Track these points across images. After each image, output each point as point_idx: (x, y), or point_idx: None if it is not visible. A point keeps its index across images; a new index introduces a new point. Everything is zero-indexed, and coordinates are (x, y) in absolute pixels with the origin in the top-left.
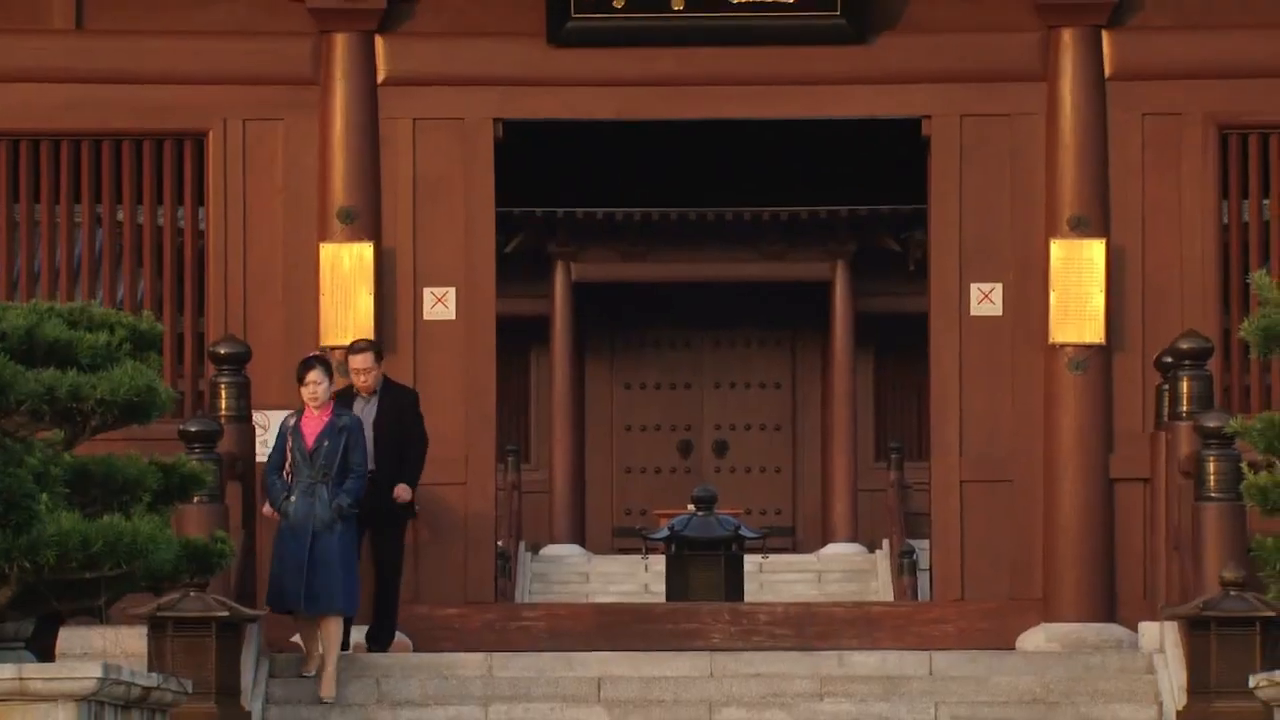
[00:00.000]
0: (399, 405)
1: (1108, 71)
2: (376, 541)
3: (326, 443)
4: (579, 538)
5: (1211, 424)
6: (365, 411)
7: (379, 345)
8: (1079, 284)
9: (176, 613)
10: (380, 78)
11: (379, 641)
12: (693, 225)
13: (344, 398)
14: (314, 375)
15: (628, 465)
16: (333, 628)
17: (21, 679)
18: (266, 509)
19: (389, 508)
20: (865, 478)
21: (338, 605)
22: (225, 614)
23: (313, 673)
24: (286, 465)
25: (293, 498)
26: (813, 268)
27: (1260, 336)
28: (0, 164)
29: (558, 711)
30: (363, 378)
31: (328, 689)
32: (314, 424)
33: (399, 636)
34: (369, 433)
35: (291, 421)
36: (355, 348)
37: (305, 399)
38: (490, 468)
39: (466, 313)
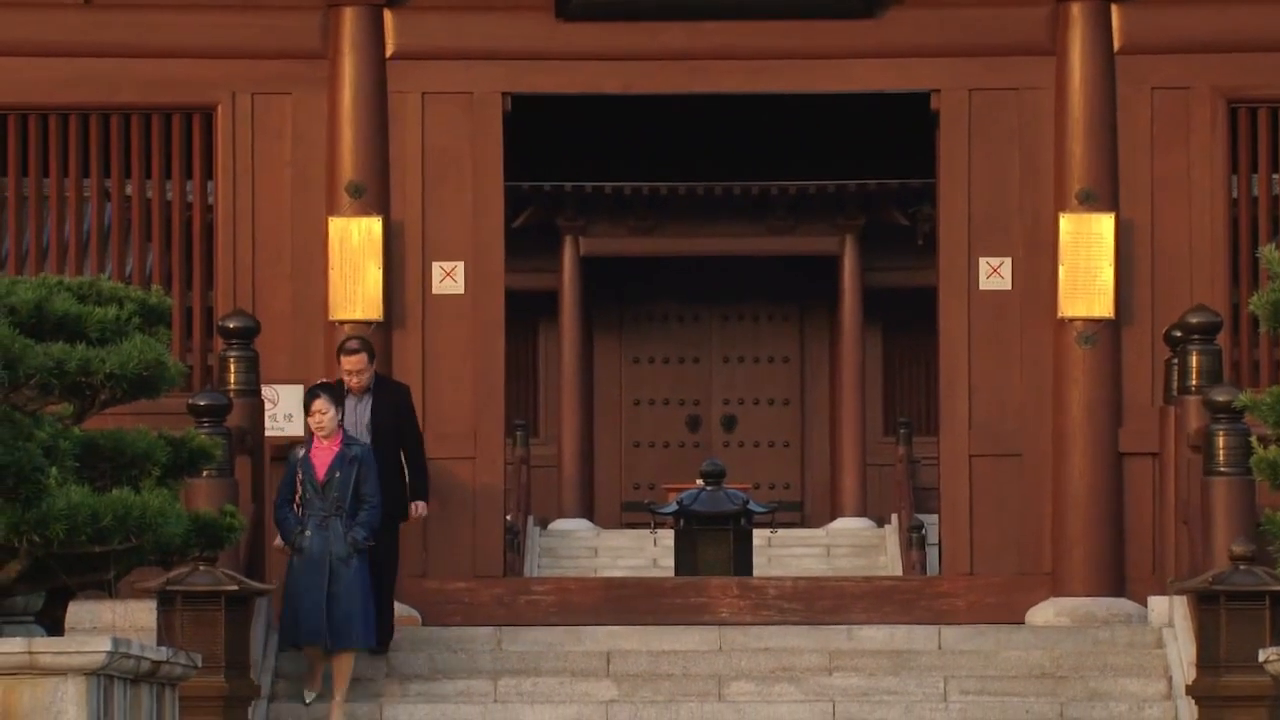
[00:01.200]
0: (394, 402)
1: (1116, 45)
2: (372, 555)
3: (338, 474)
4: (587, 512)
5: (1221, 398)
6: (359, 410)
7: (371, 344)
8: (1088, 258)
9: (186, 587)
10: (389, 52)
11: (378, 642)
12: (701, 200)
13: (334, 393)
14: (319, 405)
15: (636, 440)
16: (346, 661)
17: (31, 653)
18: (278, 542)
19: (387, 510)
20: (874, 452)
21: (359, 640)
22: (234, 588)
23: (313, 697)
24: (297, 498)
25: (307, 532)
26: (821, 242)
27: (1270, 311)
28: (9, 138)
29: (567, 685)
30: (355, 378)
31: None
32: (324, 455)
33: (408, 610)
34: (365, 432)
35: (300, 453)
36: (347, 348)
37: (312, 428)
38: (499, 442)
39: (475, 287)
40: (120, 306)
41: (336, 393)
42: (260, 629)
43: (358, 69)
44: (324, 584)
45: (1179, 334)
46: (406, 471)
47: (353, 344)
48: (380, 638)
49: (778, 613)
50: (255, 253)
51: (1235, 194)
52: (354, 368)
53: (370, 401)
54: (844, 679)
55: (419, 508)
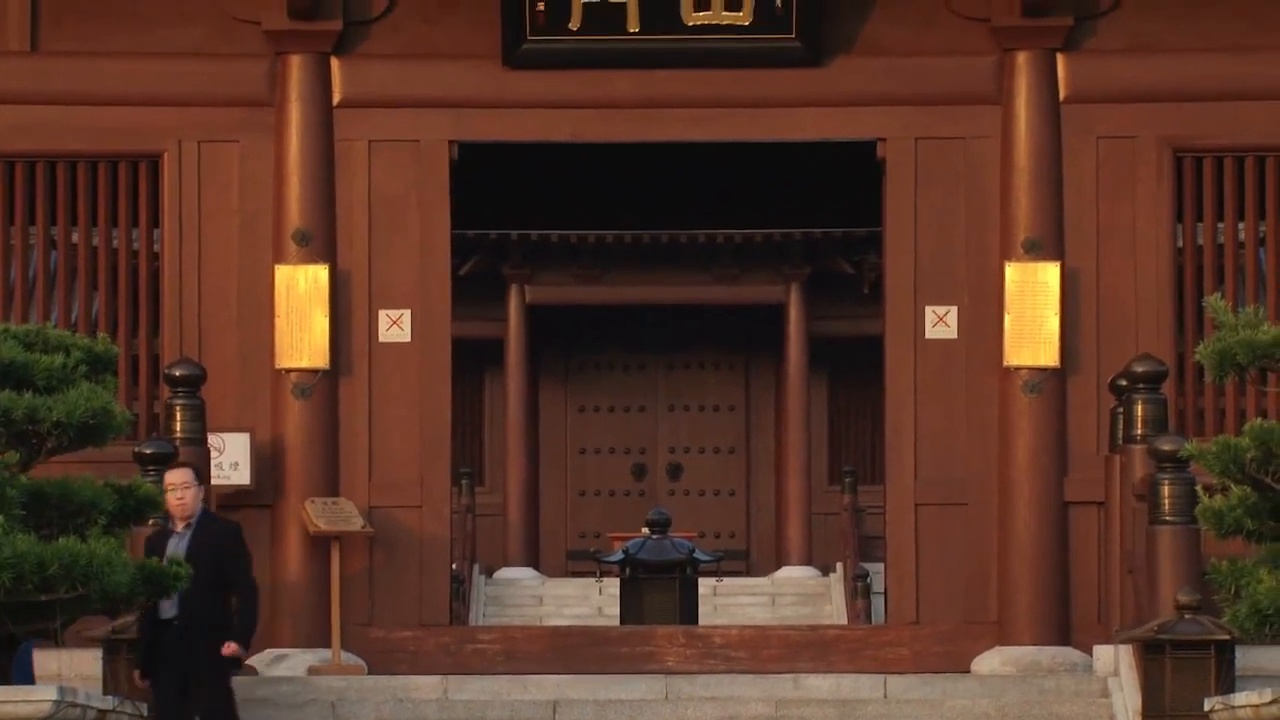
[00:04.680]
0: (216, 543)
1: (1062, 95)
2: (196, 694)
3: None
4: (533, 560)
5: (1166, 448)
6: (177, 546)
7: (200, 470)
8: (1033, 307)
9: (132, 635)
10: (336, 99)
11: None
12: (647, 248)
13: (154, 539)
14: (174, 477)
15: (582, 488)
16: None
17: None
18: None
19: (207, 657)
20: (819, 501)
21: None
22: None
23: None
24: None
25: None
26: (767, 290)
27: (1215, 360)
28: None
29: None
30: (178, 496)
31: None
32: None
33: (354, 659)
34: None
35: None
36: (170, 464)
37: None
38: (445, 490)
39: (421, 335)
40: (67, 354)
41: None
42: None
43: (305, 117)
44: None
45: (1124, 383)
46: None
47: (178, 460)
48: None
49: (724, 662)
50: (201, 300)
51: (1181, 243)
52: (177, 481)
53: (190, 537)
54: None
55: (231, 648)
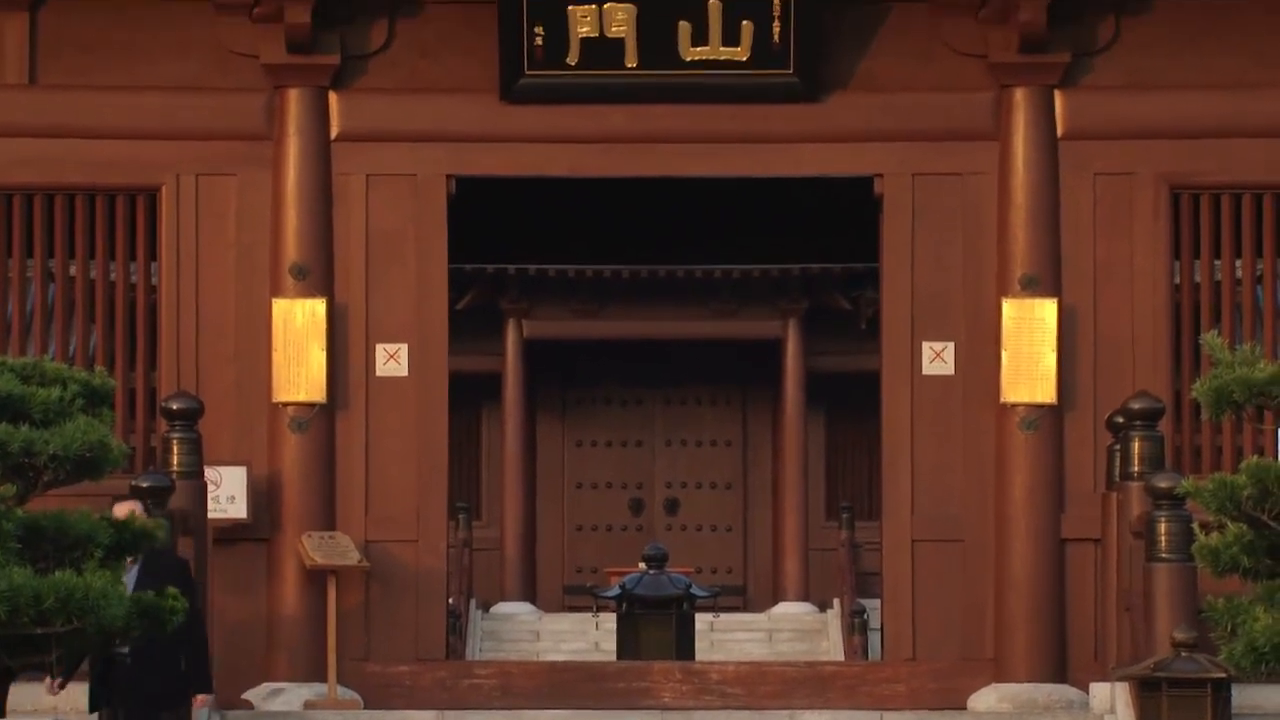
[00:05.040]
0: (163, 578)
1: (1060, 131)
2: None
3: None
4: (530, 595)
5: (1163, 485)
6: (124, 580)
7: (147, 499)
8: (1030, 343)
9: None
10: (333, 133)
11: None
12: (644, 283)
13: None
14: (121, 511)
15: (579, 523)
16: None
17: None
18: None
19: (160, 694)
20: (816, 537)
21: None
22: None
23: None
24: None
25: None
26: (764, 326)
27: (1212, 397)
28: None
29: None
30: None
31: None
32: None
33: (350, 693)
34: None
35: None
36: (118, 496)
37: None
38: (442, 524)
39: (419, 369)
40: (64, 388)
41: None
42: (202, 712)
43: (302, 150)
44: None
45: (1121, 420)
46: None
47: (126, 496)
48: None
49: (720, 698)
50: (199, 334)
51: (1178, 280)
52: (123, 515)
53: (136, 573)
54: None
55: (201, 700)
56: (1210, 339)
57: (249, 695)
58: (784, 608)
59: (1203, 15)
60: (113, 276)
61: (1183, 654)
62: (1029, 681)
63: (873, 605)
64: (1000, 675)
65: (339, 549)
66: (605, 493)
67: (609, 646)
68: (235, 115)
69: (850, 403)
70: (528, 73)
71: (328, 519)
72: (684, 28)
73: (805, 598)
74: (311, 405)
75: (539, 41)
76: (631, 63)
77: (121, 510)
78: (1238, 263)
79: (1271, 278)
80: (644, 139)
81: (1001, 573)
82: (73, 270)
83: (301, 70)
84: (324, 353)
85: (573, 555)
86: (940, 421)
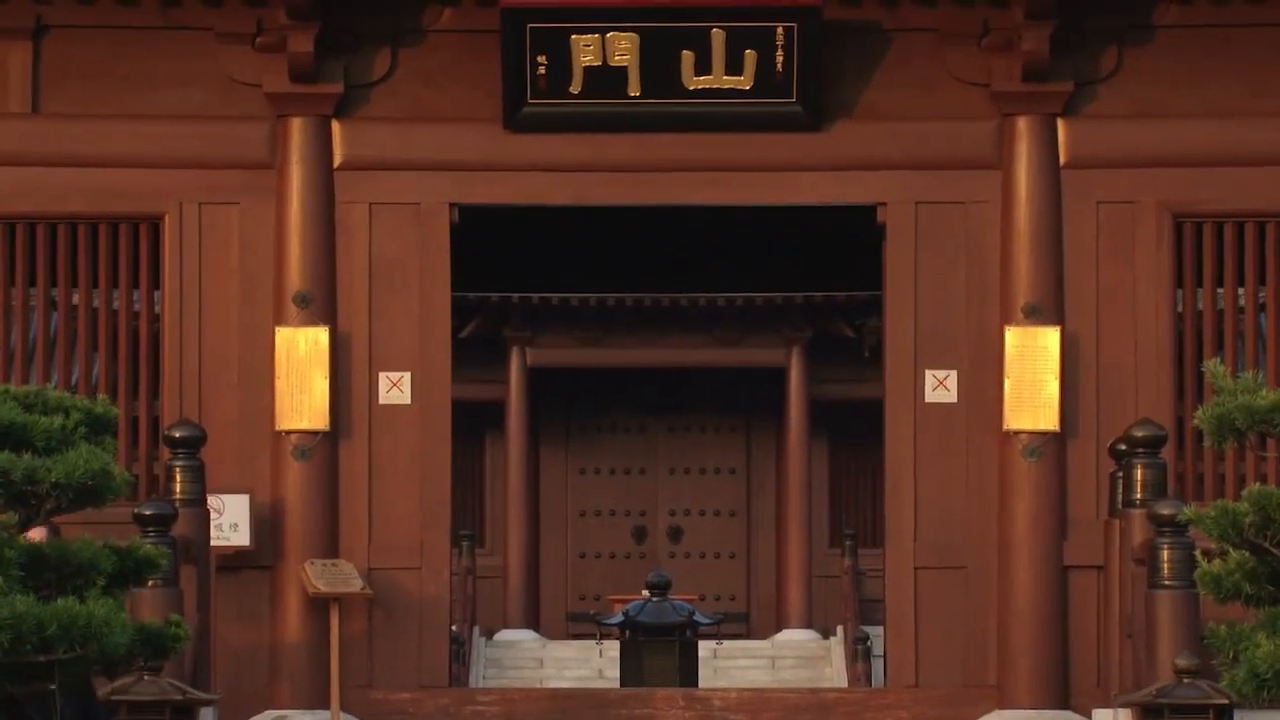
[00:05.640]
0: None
1: (1062, 160)
2: None
3: None
4: (533, 623)
5: (1165, 512)
6: None
7: (58, 527)
8: (1033, 371)
9: (131, 696)
10: (337, 162)
11: None
12: (648, 311)
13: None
14: (34, 535)
15: (582, 550)
16: None
17: None
18: None
19: None
20: (819, 564)
21: None
22: (179, 698)
23: None
24: None
25: None
26: (768, 354)
27: (1214, 425)
28: None
29: None
30: None
31: None
32: None
33: None
34: None
35: None
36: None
37: None
38: (445, 552)
39: (422, 397)
40: (66, 416)
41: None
42: None
43: (305, 179)
44: None
45: (1124, 447)
46: None
47: (35, 524)
48: None
49: None
50: (202, 362)
51: (1180, 308)
52: (35, 539)
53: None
54: None
55: None
56: (1213, 366)
57: None
58: (787, 634)
59: (1204, 46)
60: (115, 305)
61: (1185, 680)
62: (1032, 708)
63: (876, 632)
64: (1003, 702)
65: (342, 576)
66: (609, 520)
67: (612, 674)
68: (238, 144)
69: (854, 430)
70: (531, 101)
71: (331, 546)
72: (687, 57)
73: (809, 625)
74: (314, 433)
75: (542, 70)
76: (634, 91)
77: (34, 535)
78: (1240, 290)
79: (1274, 305)
80: (647, 168)
81: (1004, 600)
82: (75, 299)
83: (304, 99)
84: (327, 381)
85: (576, 582)
86: (943, 449)
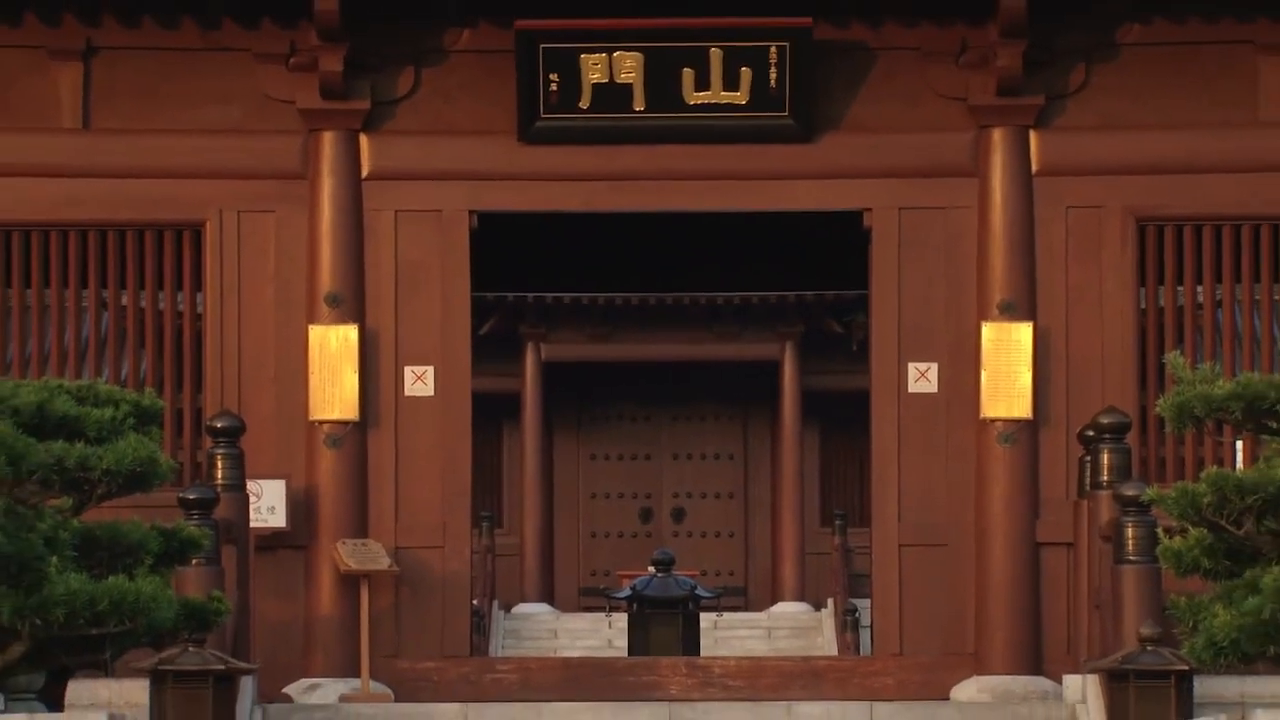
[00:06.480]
0: None
1: (1034, 168)
2: None
3: None
4: (548, 597)
5: (1130, 493)
6: None
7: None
8: (1008, 363)
9: (176, 666)
10: (364, 173)
11: None
12: (653, 309)
13: None
14: None
15: (593, 530)
16: None
17: None
18: None
19: None
20: (811, 542)
21: None
22: (221, 668)
23: None
24: None
25: None
26: (763, 348)
27: (1174, 412)
28: (14, 252)
29: None
30: None
31: None
32: None
33: (381, 688)
34: None
35: None
36: None
37: None
38: (466, 532)
39: (444, 389)
40: (116, 408)
41: None
42: (245, 705)
43: (336, 189)
44: None
45: (1091, 433)
46: None
47: None
48: None
49: (723, 690)
50: (241, 358)
51: (1144, 305)
52: None
53: None
54: None
55: None
56: (1173, 359)
57: (288, 690)
58: (782, 607)
59: (1166, 62)
60: (161, 306)
61: (1148, 648)
62: (1007, 674)
63: (863, 604)
64: (980, 668)
65: (371, 555)
66: (617, 502)
67: (621, 643)
68: (274, 156)
69: (842, 419)
70: (543, 116)
71: (360, 527)
72: (688, 74)
73: (801, 598)
74: (345, 423)
75: (553, 87)
76: (639, 106)
77: None
78: (1199, 288)
79: (1230, 302)
80: (651, 176)
81: (981, 574)
82: (124, 300)
83: (335, 115)
84: (356, 375)
85: (587, 560)
86: (925, 436)
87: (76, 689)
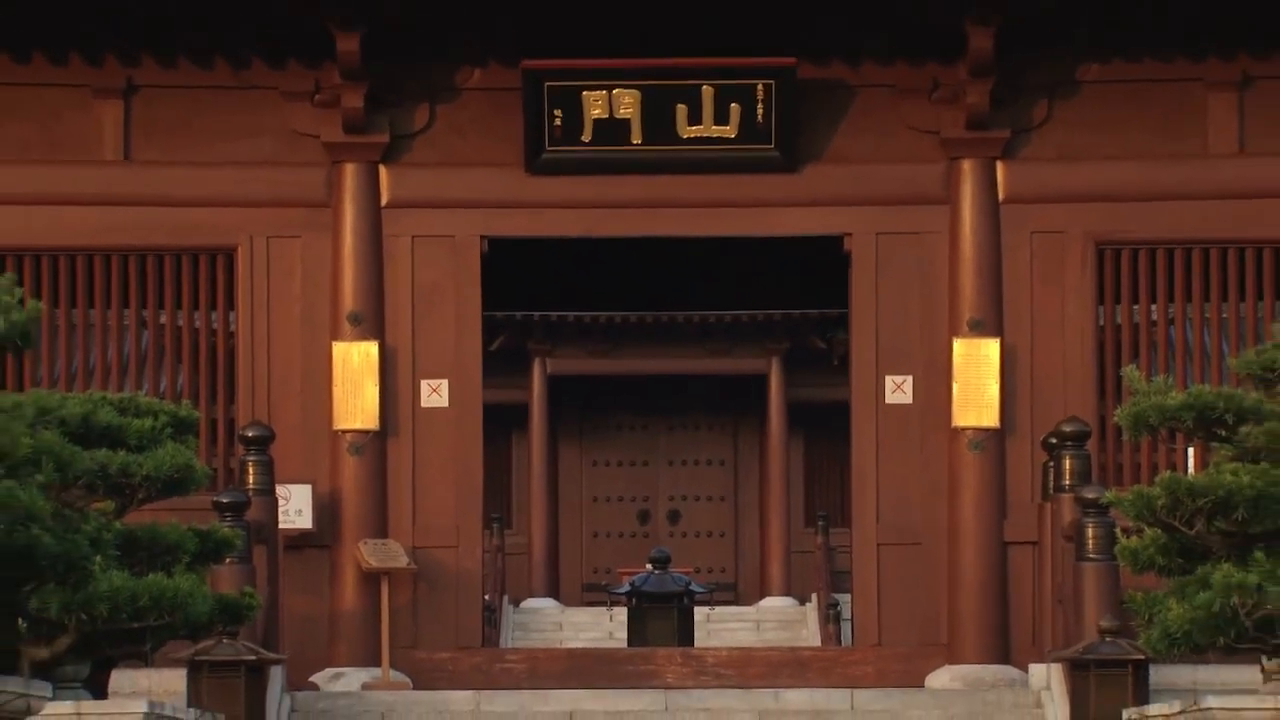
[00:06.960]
0: None
1: (1001, 196)
2: None
3: None
4: (554, 592)
5: (1090, 496)
6: None
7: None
8: (977, 376)
9: (211, 657)
10: (384, 201)
11: None
12: (650, 327)
13: None
14: None
15: (595, 531)
16: None
17: (79, 714)
18: None
19: None
20: (797, 541)
21: None
22: (252, 658)
23: None
24: None
25: None
26: (751, 363)
27: (1131, 421)
28: (60, 276)
29: None
30: None
31: None
32: None
33: (400, 676)
34: None
35: None
36: None
37: None
38: (477, 533)
39: (457, 401)
40: (155, 418)
41: None
42: (275, 693)
43: (357, 216)
44: None
45: (1054, 441)
46: None
47: None
48: None
49: (715, 678)
50: (270, 372)
51: (1102, 323)
52: None
53: None
54: None
55: None
56: (1130, 372)
57: (315, 678)
58: (769, 602)
59: (1123, 97)
60: (196, 324)
61: (1108, 639)
62: (978, 663)
63: (845, 599)
64: (953, 658)
65: (391, 554)
66: (617, 505)
67: (621, 635)
68: (300, 186)
69: (825, 428)
70: (548, 149)
71: (381, 528)
72: (681, 109)
73: (787, 593)
74: (366, 432)
75: (558, 122)
76: (637, 139)
77: None
78: (1154, 308)
79: (1183, 320)
80: (648, 204)
81: (954, 571)
82: (162, 319)
83: (356, 148)
84: (376, 388)
85: (590, 558)
86: (901, 443)
87: (119, 678)
